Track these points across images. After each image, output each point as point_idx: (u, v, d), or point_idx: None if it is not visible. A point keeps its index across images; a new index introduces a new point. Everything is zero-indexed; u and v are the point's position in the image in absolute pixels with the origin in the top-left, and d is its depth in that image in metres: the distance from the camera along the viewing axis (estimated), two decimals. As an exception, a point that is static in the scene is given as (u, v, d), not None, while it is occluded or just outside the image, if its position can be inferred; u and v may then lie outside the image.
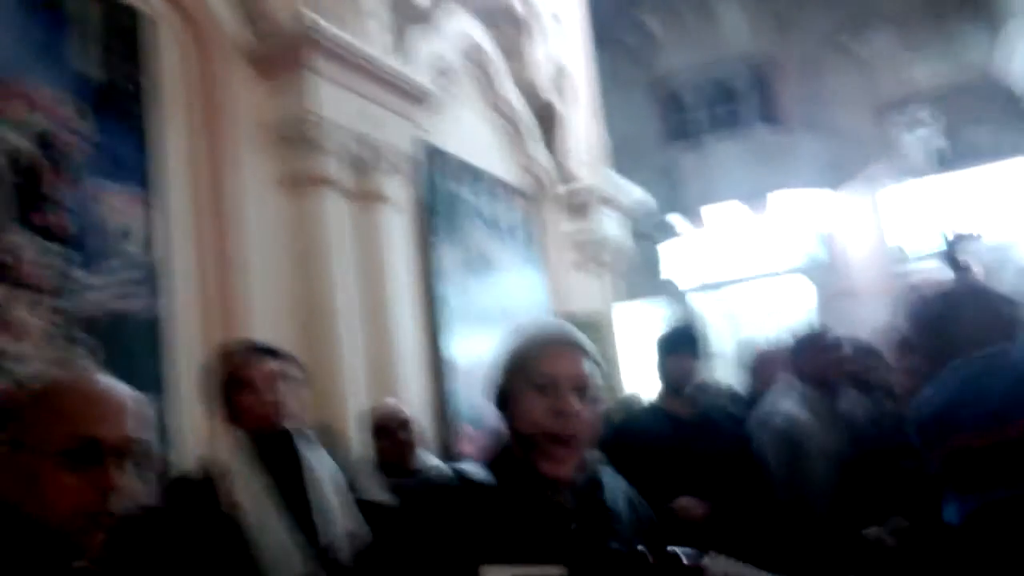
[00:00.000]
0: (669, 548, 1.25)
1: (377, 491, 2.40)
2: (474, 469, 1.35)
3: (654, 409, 2.91)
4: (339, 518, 1.97)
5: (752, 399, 3.87)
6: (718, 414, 2.99)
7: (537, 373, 1.31)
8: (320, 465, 2.04)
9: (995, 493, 1.16)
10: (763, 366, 3.95)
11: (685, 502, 2.47)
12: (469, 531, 1.24)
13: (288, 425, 1.99)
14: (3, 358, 1.97)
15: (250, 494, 1.88)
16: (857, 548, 2.36)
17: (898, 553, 2.21)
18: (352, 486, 2.63)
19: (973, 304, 1.51)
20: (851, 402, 3.28)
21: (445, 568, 1.22)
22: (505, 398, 1.35)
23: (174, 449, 2.42)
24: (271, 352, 2.04)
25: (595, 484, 1.36)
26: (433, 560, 1.23)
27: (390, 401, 2.87)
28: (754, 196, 12.07)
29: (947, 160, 11.29)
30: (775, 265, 12.20)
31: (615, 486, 1.43)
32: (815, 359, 3.09)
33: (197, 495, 1.89)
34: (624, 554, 1.28)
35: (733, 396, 4.37)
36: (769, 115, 12.79)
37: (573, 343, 1.37)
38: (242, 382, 1.94)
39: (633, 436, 2.57)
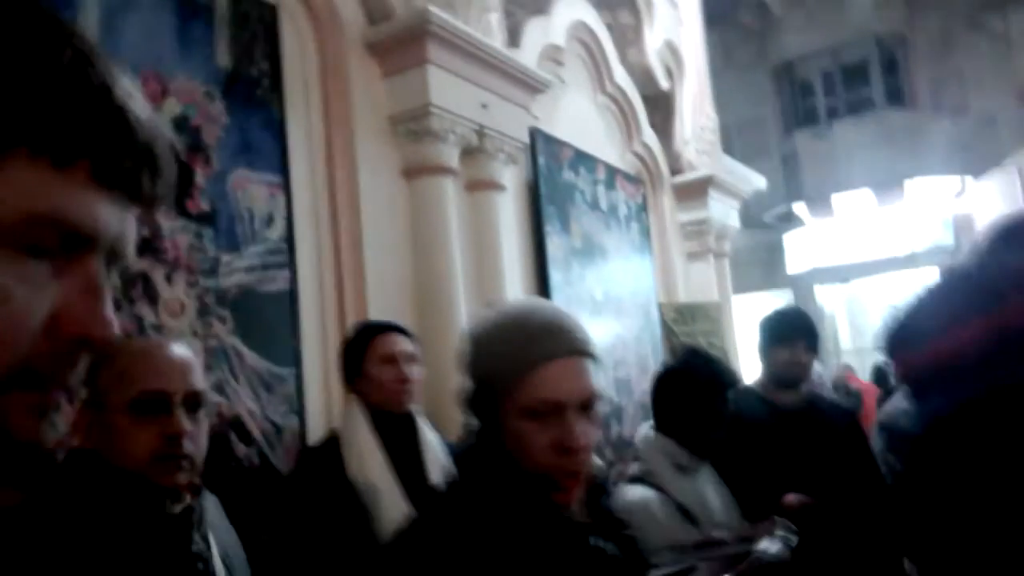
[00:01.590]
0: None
1: None
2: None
3: (752, 395, 2.72)
4: None
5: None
6: (824, 403, 2.84)
7: (534, 398, 1.02)
8: (434, 446, 2.16)
9: (944, 404, 1.12)
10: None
11: (791, 499, 2.37)
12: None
13: (411, 407, 2.14)
14: (161, 332, 2.19)
15: (372, 467, 2.02)
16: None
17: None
18: None
19: None
20: None
21: None
22: (489, 415, 1.06)
23: (309, 415, 2.61)
24: (406, 332, 2.21)
25: (599, 488, 1.19)
26: None
27: None
28: (884, 183, 11.52)
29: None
30: (906, 256, 11.61)
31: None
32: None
33: (325, 464, 2.04)
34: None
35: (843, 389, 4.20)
36: (899, 97, 12.15)
37: (575, 347, 1.06)
38: (384, 357, 2.10)
39: (732, 423, 2.50)
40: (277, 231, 2.65)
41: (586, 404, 1.04)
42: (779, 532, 1.78)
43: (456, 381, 3.05)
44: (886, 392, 6.55)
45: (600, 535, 1.09)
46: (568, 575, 1.02)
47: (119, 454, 1.18)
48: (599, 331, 4.07)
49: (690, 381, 2.16)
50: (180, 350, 1.27)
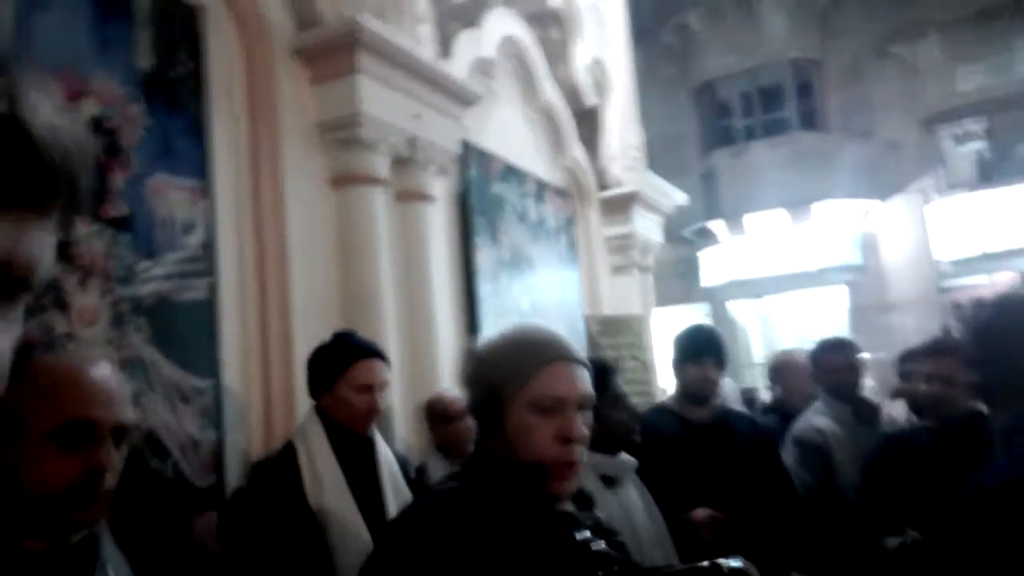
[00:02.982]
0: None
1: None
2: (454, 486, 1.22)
3: (665, 412, 2.80)
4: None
5: (777, 406, 3.83)
6: (735, 419, 2.91)
7: (540, 395, 1.18)
8: (390, 465, 2.16)
9: None
10: (785, 371, 3.90)
11: (700, 513, 2.40)
12: (487, 562, 1.10)
13: (370, 431, 2.13)
14: (73, 341, 2.09)
15: (330, 487, 1.99)
16: (876, 556, 2.38)
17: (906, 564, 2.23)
18: (421, 471, 2.77)
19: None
20: (896, 414, 3.28)
21: None
22: (495, 415, 1.21)
23: (227, 428, 2.54)
24: (384, 358, 2.18)
25: (584, 496, 1.31)
26: None
27: (450, 391, 3.00)
28: (796, 204, 11.97)
29: (995, 174, 11.07)
30: (815, 274, 12.08)
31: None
32: (827, 362, 3.13)
33: (280, 480, 2.00)
34: (651, 570, 1.27)
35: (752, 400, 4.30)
36: (812, 121, 12.66)
37: (574, 355, 1.24)
38: (361, 386, 2.06)
39: (644, 439, 2.45)
40: (197, 238, 2.57)
41: (583, 404, 1.21)
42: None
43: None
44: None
45: (585, 529, 1.22)
46: (554, 561, 1.14)
47: (32, 482, 1.07)
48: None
49: None
50: (109, 374, 1.17)
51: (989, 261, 10.63)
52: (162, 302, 2.40)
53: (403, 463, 2.28)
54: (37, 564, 1.06)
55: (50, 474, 1.07)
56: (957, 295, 10.90)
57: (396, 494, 2.09)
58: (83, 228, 2.19)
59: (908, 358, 3.40)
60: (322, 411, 2.11)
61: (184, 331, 2.46)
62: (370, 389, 2.07)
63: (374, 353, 2.15)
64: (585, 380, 1.23)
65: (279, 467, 2.04)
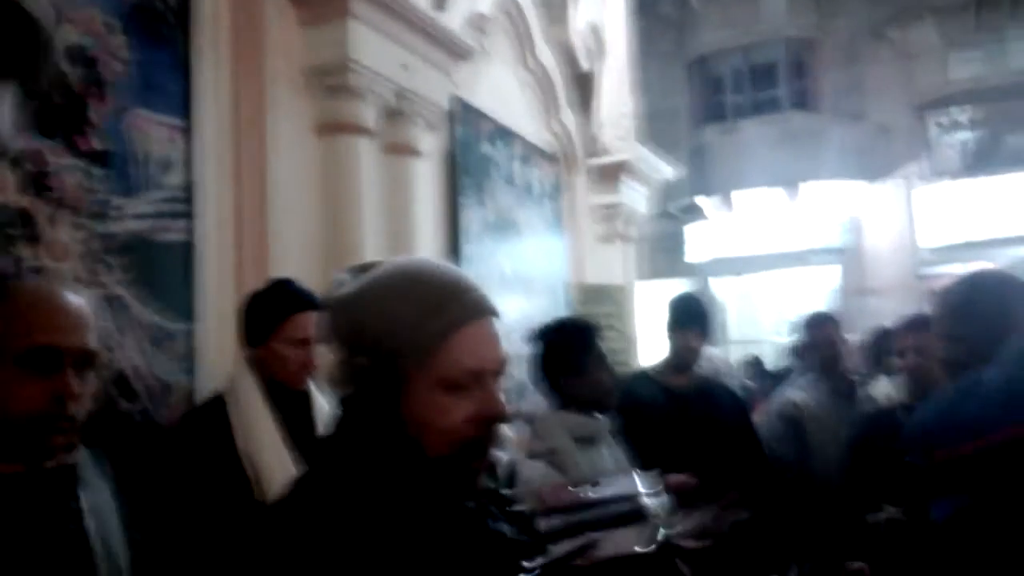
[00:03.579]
0: None
1: None
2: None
3: (647, 378, 2.87)
4: None
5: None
6: (715, 387, 2.98)
7: (457, 368, 0.90)
8: (323, 415, 2.08)
9: (963, 499, 1.29)
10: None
11: (674, 479, 2.44)
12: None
13: (306, 385, 2.05)
14: (43, 276, 2.02)
15: (263, 439, 1.92)
16: (858, 531, 2.39)
17: (888, 541, 2.24)
18: None
19: (997, 285, 1.56)
20: (880, 389, 3.30)
21: None
22: (390, 392, 0.91)
23: (201, 375, 2.48)
24: (316, 304, 2.04)
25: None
26: None
27: None
28: (783, 183, 11.97)
29: (981, 164, 11.12)
30: (798, 255, 12.12)
31: None
32: (812, 335, 3.14)
33: (209, 431, 1.93)
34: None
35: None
36: (804, 101, 12.62)
37: (486, 307, 0.97)
38: (297, 340, 1.97)
39: (626, 405, 2.50)
40: (176, 178, 2.49)
41: (504, 369, 0.96)
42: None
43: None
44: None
45: (495, 517, 1.02)
46: (468, 560, 0.93)
47: (2, 405, 1.10)
48: (507, 307, 4.05)
49: (564, 341, 2.23)
50: (77, 301, 1.17)
51: (969, 250, 10.71)
52: (137, 241, 2.33)
53: None
54: (14, 486, 1.10)
55: (18, 398, 1.09)
56: (935, 283, 11.00)
57: None
58: (56, 159, 2.11)
59: (885, 337, 3.41)
60: (255, 363, 2.02)
61: (159, 273, 2.39)
62: (306, 343, 1.98)
63: (313, 304, 2.02)
64: (500, 339, 0.96)
65: (207, 418, 1.96)
